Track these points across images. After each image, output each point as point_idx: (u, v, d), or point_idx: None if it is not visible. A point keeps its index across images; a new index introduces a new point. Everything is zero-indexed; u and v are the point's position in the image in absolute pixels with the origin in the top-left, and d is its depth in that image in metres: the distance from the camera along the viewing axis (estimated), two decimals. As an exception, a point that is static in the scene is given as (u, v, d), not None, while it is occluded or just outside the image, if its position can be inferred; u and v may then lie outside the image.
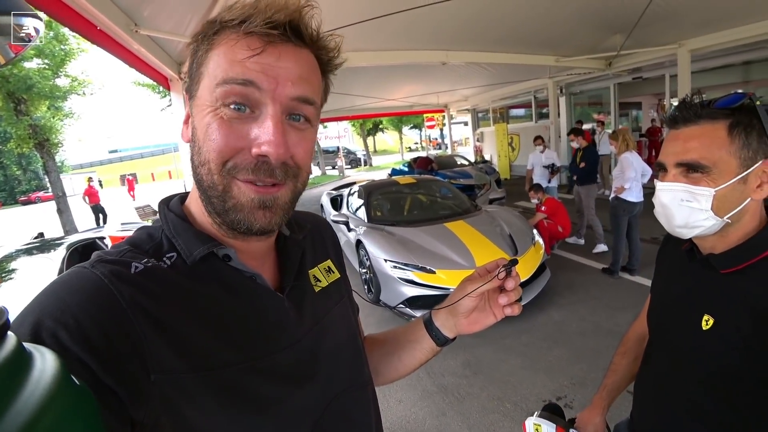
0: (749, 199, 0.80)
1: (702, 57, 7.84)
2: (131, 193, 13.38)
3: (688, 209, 0.83)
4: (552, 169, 7.03)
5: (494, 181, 9.61)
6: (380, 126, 31.29)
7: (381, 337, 0.90)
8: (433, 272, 3.78)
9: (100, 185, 13.34)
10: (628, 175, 4.44)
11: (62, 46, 10.89)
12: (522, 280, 3.08)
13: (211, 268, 0.56)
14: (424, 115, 23.18)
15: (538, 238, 4.49)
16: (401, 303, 3.82)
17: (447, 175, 9.45)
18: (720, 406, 0.84)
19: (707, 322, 0.84)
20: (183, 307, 0.51)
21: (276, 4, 0.50)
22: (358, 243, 4.60)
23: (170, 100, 10.03)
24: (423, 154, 16.74)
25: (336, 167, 23.52)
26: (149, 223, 0.64)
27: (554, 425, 1.18)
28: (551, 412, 1.23)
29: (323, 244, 0.78)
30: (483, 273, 0.73)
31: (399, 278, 3.84)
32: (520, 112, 14.72)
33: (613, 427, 1.22)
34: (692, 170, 0.82)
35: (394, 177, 7.66)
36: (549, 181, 6.95)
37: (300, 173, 0.57)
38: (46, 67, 10.89)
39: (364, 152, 29.69)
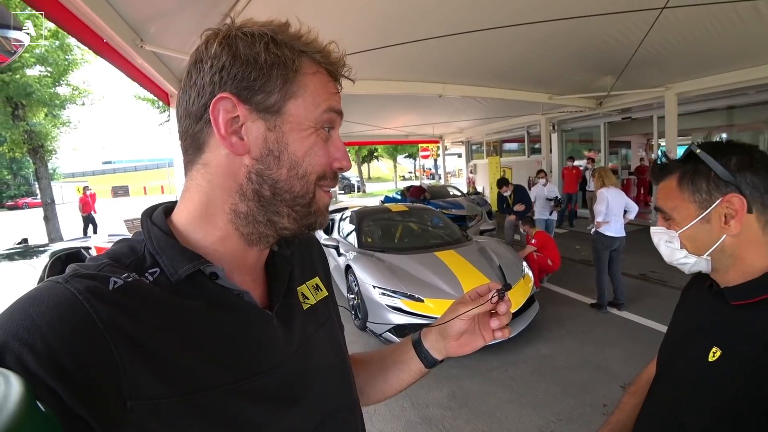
0: (725, 236, 0.84)
1: (688, 100, 8.13)
2: (87, 207, 12.92)
3: (669, 249, 0.93)
4: (555, 202, 7.15)
5: (485, 212, 9.69)
6: (375, 153, 31.66)
7: (366, 357, 0.88)
8: (422, 301, 3.75)
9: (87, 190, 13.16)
10: (599, 209, 4.62)
11: (66, 56, 10.98)
12: (511, 311, 3.05)
13: (197, 286, 0.54)
14: (419, 145, 23.53)
15: (528, 271, 4.50)
16: (388, 330, 3.77)
17: (439, 205, 9.52)
18: None
19: (714, 354, 0.85)
20: (165, 327, 0.48)
21: (334, 51, 0.60)
22: (348, 268, 4.57)
23: (169, 115, 10.08)
24: (416, 183, 16.88)
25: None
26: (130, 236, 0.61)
27: None
28: None
29: (311, 261, 0.77)
30: (474, 296, 0.74)
31: (387, 305, 3.81)
32: (513, 146, 15.00)
33: None
34: (665, 216, 0.93)
35: (386, 204, 7.69)
36: (550, 213, 7.06)
37: None
38: (48, 75, 10.94)
39: (359, 179, 29.90)
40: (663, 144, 9.00)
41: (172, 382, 0.46)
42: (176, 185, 6.61)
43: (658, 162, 0.96)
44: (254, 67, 0.53)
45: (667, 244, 0.93)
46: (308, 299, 0.70)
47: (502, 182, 7.32)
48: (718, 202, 0.84)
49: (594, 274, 4.91)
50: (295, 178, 0.55)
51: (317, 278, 0.75)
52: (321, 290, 0.74)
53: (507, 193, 7.23)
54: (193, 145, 0.56)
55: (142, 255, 0.54)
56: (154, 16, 3.54)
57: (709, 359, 0.85)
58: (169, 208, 0.61)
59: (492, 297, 0.70)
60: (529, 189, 12.07)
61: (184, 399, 0.47)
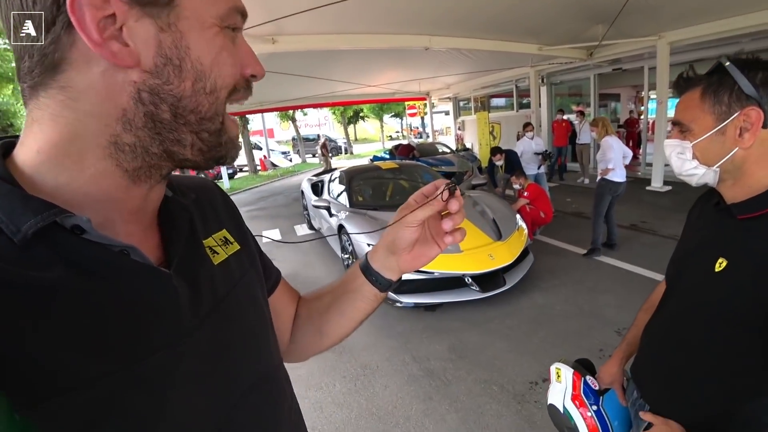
0: (736, 149, 0.89)
1: (680, 50, 7.95)
2: None
3: (681, 160, 0.98)
4: (543, 156, 7.04)
5: (476, 167, 9.64)
6: (361, 114, 31.02)
7: (317, 294, 0.78)
8: (418, 256, 3.72)
9: None
10: (609, 156, 4.68)
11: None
12: (506, 264, 3.06)
13: (56, 246, 0.39)
14: (406, 104, 23.09)
15: (522, 223, 4.49)
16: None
17: (429, 163, 9.44)
18: (714, 344, 0.93)
19: (720, 264, 0.91)
20: (8, 312, 0.35)
21: None
22: (340, 228, 4.51)
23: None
24: (404, 142, 16.67)
25: (316, 155, 23.26)
26: None
27: (571, 370, 1.29)
28: (581, 363, 1.35)
29: (215, 212, 0.64)
30: (420, 198, 0.64)
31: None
32: (501, 101, 14.79)
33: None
34: (682, 129, 0.97)
35: (376, 162, 7.57)
36: (539, 168, 6.95)
37: None
38: (10, 49, 10.35)
39: (345, 140, 29.44)
40: (653, 96, 8.90)
41: (31, 386, 0.34)
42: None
43: (684, 75, 0.98)
44: None
45: (679, 155, 0.97)
46: (218, 254, 0.58)
47: (495, 151, 7.23)
48: (736, 114, 0.87)
49: (586, 224, 4.96)
50: (201, 93, 0.44)
51: (224, 231, 0.63)
52: (231, 243, 0.62)
53: (499, 162, 7.14)
54: (42, 63, 0.40)
55: None
56: None
57: (716, 269, 0.91)
58: (10, 145, 0.44)
59: (441, 194, 0.60)
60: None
61: (43, 406, 0.34)
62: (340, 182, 5.53)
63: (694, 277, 1.00)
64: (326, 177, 6.30)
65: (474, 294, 3.71)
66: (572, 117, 10.76)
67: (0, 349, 0.33)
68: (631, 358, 1.29)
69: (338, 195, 5.38)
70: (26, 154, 0.42)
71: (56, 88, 0.40)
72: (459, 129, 16.63)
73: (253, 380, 0.56)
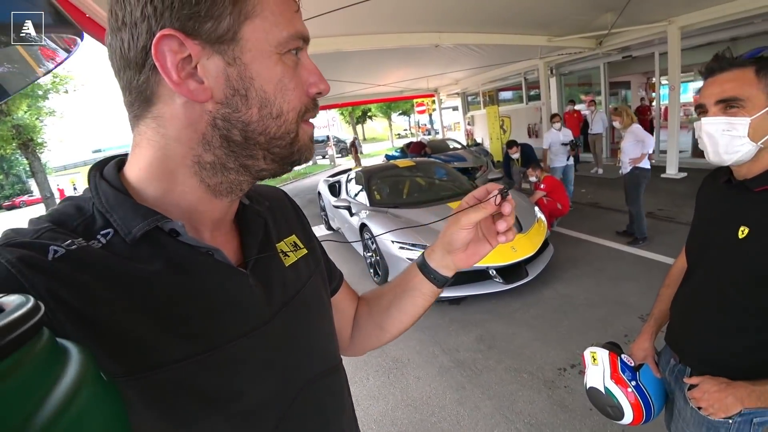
0: None
1: (690, 34, 7.90)
2: None
3: (729, 137, 1.02)
4: (572, 146, 6.77)
5: (489, 162, 9.67)
6: (369, 114, 31.11)
7: (377, 293, 0.85)
8: (442, 251, 3.80)
9: (74, 188, 12.07)
10: (648, 142, 4.67)
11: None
12: (528, 255, 3.12)
13: (157, 246, 0.48)
14: (414, 101, 23.11)
15: (540, 215, 4.55)
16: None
17: (441, 159, 9.46)
18: (747, 302, 1.04)
19: (743, 231, 1.03)
20: (119, 297, 0.43)
21: None
22: (362, 227, 4.61)
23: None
24: (415, 139, 16.71)
25: (327, 156, 23.38)
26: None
27: (607, 351, 1.37)
28: (611, 344, 1.42)
29: (285, 219, 0.72)
30: (472, 201, 0.69)
31: (408, 258, 3.87)
32: (509, 95, 14.73)
33: (661, 349, 1.41)
34: (730, 106, 1.01)
35: (392, 161, 7.65)
36: (568, 159, 6.75)
37: None
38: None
39: (356, 140, 29.55)
40: (665, 82, 8.83)
41: (128, 358, 0.42)
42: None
43: (727, 55, 1.04)
44: None
45: (726, 132, 1.02)
46: (288, 256, 0.65)
47: (512, 143, 7.22)
48: None
49: (603, 214, 4.93)
50: (268, 118, 0.48)
51: (294, 236, 0.70)
52: (300, 248, 0.69)
53: (516, 155, 7.15)
54: (139, 98, 0.48)
55: (91, 215, 0.48)
56: None
57: (739, 237, 1.03)
58: (122, 161, 0.54)
59: (495, 198, 0.65)
60: (529, 137, 12.01)
61: (143, 376, 0.42)
62: (357, 182, 5.62)
63: (718, 245, 1.10)
64: (343, 177, 6.39)
65: (498, 286, 3.79)
66: (583, 107, 10.72)
67: (110, 323, 0.41)
68: (660, 333, 1.40)
69: (356, 194, 5.47)
70: (132, 171, 0.51)
71: (150, 118, 0.48)
72: (468, 124, 16.64)
73: (316, 373, 0.62)
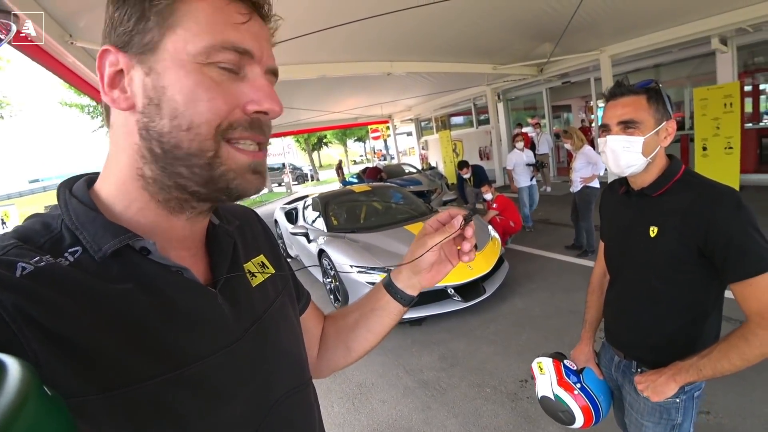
0: (659, 146, 1.23)
1: (620, 61, 8.60)
2: None
3: (628, 153, 1.23)
4: (535, 166, 6.87)
5: (444, 184, 9.92)
6: (325, 140, 31.27)
7: (343, 312, 0.86)
8: (401, 272, 3.83)
9: (2, 223, 10.33)
10: (600, 164, 4.92)
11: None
12: (484, 273, 3.21)
13: (127, 264, 0.47)
14: (369, 127, 23.46)
15: (494, 234, 4.70)
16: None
17: (397, 183, 9.63)
18: (671, 289, 1.23)
19: (653, 231, 1.23)
20: (87, 315, 0.42)
21: None
22: (321, 253, 4.58)
23: (102, 120, 9.42)
24: (371, 165, 16.90)
25: (283, 184, 23.14)
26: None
27: (551, 359, 1.51)
28: (555, 354, 1.53)
29: (255, 239, 0.72)
30: (436, 225, 0.73)
31: (367, 282, 3.87)
32: (460, 119, 15.30)
33: (598, 350, 1.55)
34: (628, 126, 1.22)
35: (348, 186, 7.70)
36: (531, 179, 6.87)
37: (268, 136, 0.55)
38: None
39: (311, 167, 29.52)
40: (601, 105, 9.51)
41: (98, 377, 0.41)
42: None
43: (626, 83, 1.26)
44: (129, 5, 0.46)
45: (626, 149, 1.23)
46: (255, 277, 0.65)
47: (463, 164, 7.44)
48: (665, 122, 1.23)
49: (553, 230, 5.15)
50: (178, 129, 0.46)
51: (262, 256, 0.70)
52: (267, 267, 0.70)
53: (467, 175, 7.37)
54: (105, 110, 0.51)
55: (59, 233, 0.47)
56: (84, 9, 3.28)
57: (651, 236, 1.23)
58: (92, 178, 0.54)
59: (461, 224, 0.71)
60: (481, 159, 12.43)
61: (111, 395, 0.41)
62: (314, 208, 5.61)
63: (636, 246, 1.29)
64: (300, 204, 6.36)
65: (457, 304, 3.85)
66: (530, 130, 11.30)
67: (79, 342, 0.40)
68: (596, 337, 1.54)
69: (314, 221, 5.45)
70: (102, 187, 0.52)
71: (109, 127, 0.51)
72: (423, 149, 17.05)
73: (286, 391, 0.63)
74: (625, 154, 1.23)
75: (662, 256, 1.22)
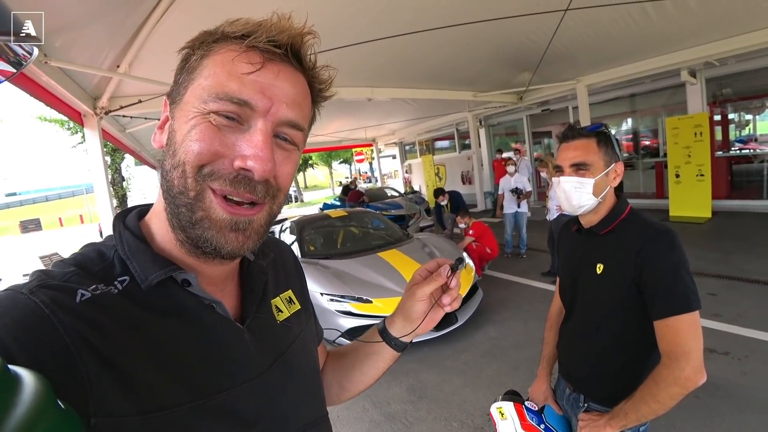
0: (609, 186, 1.29)
1: (597, 91, 8.88)
2: None
3: (579, 193, 1.28)
4: (517, 193, 6.58)
5: (423, 210, 9.96)
6: (310, 162, 31.36)
7: (340, 351, 0.89)
8: (370, 302, 3.80)
9: None
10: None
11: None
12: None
13: (168, 295, 0.51)
14: (353, 150, 23.62)
15: (469, 261, 4.69)
16: (340, 336, 3.77)
17: (378, 207, 9.65)
18: (615, 324, 1.26)
19: (600, 268, 1.28)
20: (134, 341, 0.46)
21: (280, 25, 0.50)
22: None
23: (83, 136, 9.31)
24: (354, 187, 16.95)
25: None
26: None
27: (512, 403, 1.47)
28: (511, 395, 1.51)
29: (285, 273, 0.75)
30: (425, 274, 0.75)
31: (336, 311, 3.81)
32: (445, 143, 15.51)
33: (554, 385, 1.56)
34: (580, 168, 1.28)
35: (325, 211, 7.67)
36: (518, 206, 6.63)
37: (279, 195, 0.54)
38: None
39: (295, 188, 29.47)
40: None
41: (139, 399, 0.44)
42: (98, 213, 6.07)
43: (578, 127, 1.33)
44: (184, 65, 0.52)
45: (577, 190, 1.28)
46: (282, 312, 0.68)
47: (438, 192, 7.52)
48: (614, 164, 1.29)
49: (531, 256, 5.18)
50: (172, 168, 0.49)
51: (290, 291, 0.73)
52: (294, 303, 0.72)
53: (444, 203, 7.45)
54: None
55: (111, 262, 0.51)
56: (60, 29, 3.26)
57: (597, 272, 1.28)
58: (143, 211, 0.58)
59: (447, 273, 0.72)
60: (463, 184, 12.54)
61: (148, 417, 0.44)
62: (291, 233, 5.56)
63: (585, 282, 1.34)
64: (277, 228, 6.30)
65: (428, 334, 3.78)
66: (511, 155, 11.48)
67: (124, 366, 0.44)
68: (554, 373, 1.55)
69: (290, 245, 5.39)
70: (151, 219, 0.56)
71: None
72: (406, 172, 17.18)
73: (304, 424, 0.64)
74: (577, 194, 1.29)
75: (607, 292, 1.26)
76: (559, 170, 1.34)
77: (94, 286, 0.46)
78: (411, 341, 0.80)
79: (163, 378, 0.46)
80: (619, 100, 9.69)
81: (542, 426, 1.45)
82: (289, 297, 0.72)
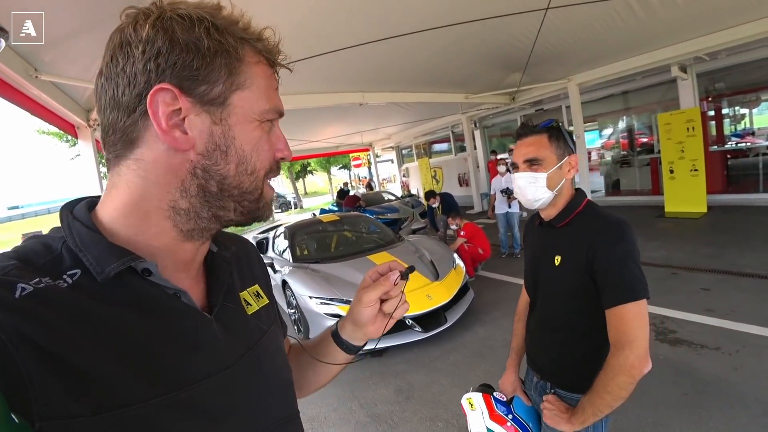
0: (564, 179, 1.32)
1: (589, 89, 8.90)
2: None
3: (534, 187, 1.32)
4: (509, 194, 6.47)
5: (418, 213, 10.00)
6: (308, 168, 31.43)
7: (299, 349, 0.88)
8: (358, 303, 3.80)
9: None
10: None
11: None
12: (444, 302, 3.21)
13: (126, 286, 0.49)
14: (351, 156, 23.66)
15: (459, 262, 4.70)
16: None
17: (375, 211, 9.69)
18: (573, 313, 1.30)
19: (557, 259, 1.31)
20: (84, 337, 0.43)
21: (271, 38, 0.57)
22: (284, 283, 4.53)
23: (79, 149, 9.37)
24: (349, 189, 16.99)
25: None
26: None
27: (480, 393, 1.50)
28: (484, 386, 1.54)
29: (250, 268, 0.74)
30: (375, 277, 0.75)
31: (325, 314, 3.83)
32: (443, 146, 15.53)
33: (524, 376, 1.58)
34: (533, 164, 1.32)
35: (318, 216, 7.71)
36: (509, 206, 6.60)
37: None
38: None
39: (294, 195, 29.52)
40: (571, 129, 9.74)
41: (93, 398, 0.41)
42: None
43: (530, 123, 1.37)
44: (196, 55, 0.49)
45: (532, 184, 1.32)
46: (251, 305, 0.67)
47: (429, 195, 7.55)
48: (567, 157, 1.32)
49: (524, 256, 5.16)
50: (244, 174, 0.53)
51: (257, 286, 0.72)
52: (262, 297, 0.71)
53: (435, 205, 7.46)
54: (123, 139, 0.51)
55: (58, 254, 0.48)
56: (48, 43, 3.31)
57: (556, 264, 1.31)
58: (92, 203, 0.55)
59: (395, 279, 0.72)
60: (460, 186, 12.54)
61: (106, 416, 0.42)
62: (284, 237, 5.58)
63: (545, 274, 1.38)
64: (271, 234, 6.32)
65: (417, 335, 3.81)
66: (506, 155, 11.49)
67: (75, 363, 0.41)
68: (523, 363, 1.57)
69: (283, 251, 5.42)
70: (105, 210, 0.53)
71: (132, 159, 0.51)
72: (404, 176, 17.21)
73: (275, 420, 0.63)
74: (531, 189, 1.32)
75: (564, 283, 1.30)
76: (515, 167, 1.38)
77: (37, 279, 0.43)
78: (364, 345, 0.81)
79: (122, 373, 0.44)
80: (612, 98, 9.69)
81: (510, 416, 1.46)
82: (257, 291, 0.71)
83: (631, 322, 1.12)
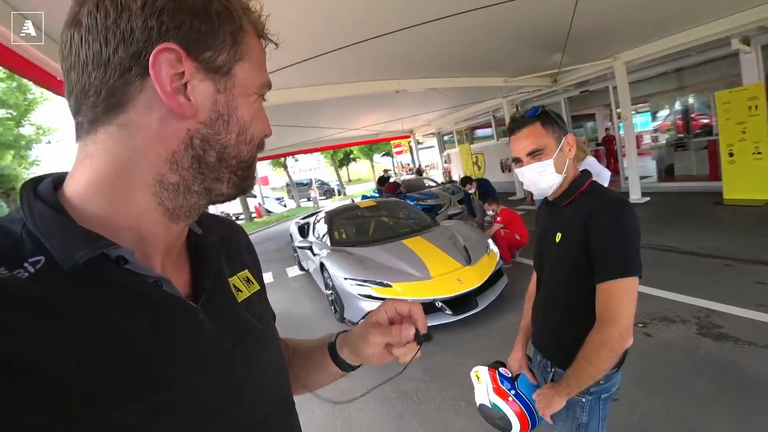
0: (568, 159, 1.35)
1: (638, 68, 8.41)
2: None
3: (544, 176, 1.34)
4: None
5: (456, 199, 10.00)
6: (351, 156, 31.85)
7: (291, 346, 0.84)
8: (390, 286, 3.95)
9: None
10: (605, 175, 4.63)
11: (26, 96, 10.99)
12: (474, 287, 3.25)
13: (98, 275, 0.42)
14: (392, 143, 23.72)
15: (493, 248, 4.70)
16: (362, 318, 3.93)
17: (414, 197, 9.77)
18: (571, 291, 1.33)
19: (558, 237, 1.35)
20: (52, 336, 0.37)
21: (255, 10, 0.54)
22: (322, 266, 4.74)
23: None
24: (390, 176, 17.11)
25: (310, 199, 23.64)
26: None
27: (486, 367, 1.59)
28: (496, 363, 1.62)
29: (240, 253, 0.70)
30: (392, 312, 0.71)
31: (359, 294, 3.99)
32: (487, 131, 15.23)
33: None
34: (536, 154, 1.34)
35: (356, 201, 7.89)
36: None
37: None
38: (9, 116, 10.92)
39: (338, 182, 30.05)
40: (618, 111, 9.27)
41: (62, 408, 0.36)
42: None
43: (518, 116, 1.38)
44: (204, 19, 0.46)
45: (541, 174, 1.33)
46: (241, 292, 0.63)
47: (465, 181, 7.52)
48: (564, 138, 1.35)
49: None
50: (243, 143, 0.52)
51: (247, 270, 0.68)
52: (253, 283, 0.67)
53: (471, 191, 7.43)
54: (107, 101, 0.44)
55: (17, 239, 0.41)
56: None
57: (556, 241, 1.36)
58: (59, 179, 0.48)
59: (408, 335, 0.67)
60: (503, 172, 12.32)
61: (77, 427, 0.37)
62: (324, 222, 5.79)
63: (547, 252, 1.43)
64: (312, 219, 6.56)
65: (447, 317, 3.89)
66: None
67: (38, 368, 0.35)
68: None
69: (322, 235, 5.63)
70: (75, 186, 0.46)
71: (115, 125, 0.45)
72: (445, 162, 17.09)
73: (269, 413, 0.59)
74: (543, 177, 1.35)
75: (564, 260, 1.33)
76: (518, 162, 1.40)
77: None
78: (359, 365, 0.77)
79: (95, 377, 0.39)
80: (665, 76, 9.08)
81: (513, 392, 1.51)
82: (247, 277, 0.67)
83: (618, 299, 1.16)
